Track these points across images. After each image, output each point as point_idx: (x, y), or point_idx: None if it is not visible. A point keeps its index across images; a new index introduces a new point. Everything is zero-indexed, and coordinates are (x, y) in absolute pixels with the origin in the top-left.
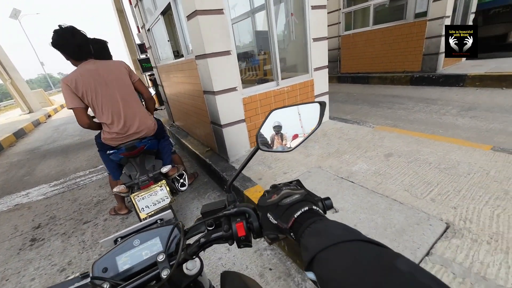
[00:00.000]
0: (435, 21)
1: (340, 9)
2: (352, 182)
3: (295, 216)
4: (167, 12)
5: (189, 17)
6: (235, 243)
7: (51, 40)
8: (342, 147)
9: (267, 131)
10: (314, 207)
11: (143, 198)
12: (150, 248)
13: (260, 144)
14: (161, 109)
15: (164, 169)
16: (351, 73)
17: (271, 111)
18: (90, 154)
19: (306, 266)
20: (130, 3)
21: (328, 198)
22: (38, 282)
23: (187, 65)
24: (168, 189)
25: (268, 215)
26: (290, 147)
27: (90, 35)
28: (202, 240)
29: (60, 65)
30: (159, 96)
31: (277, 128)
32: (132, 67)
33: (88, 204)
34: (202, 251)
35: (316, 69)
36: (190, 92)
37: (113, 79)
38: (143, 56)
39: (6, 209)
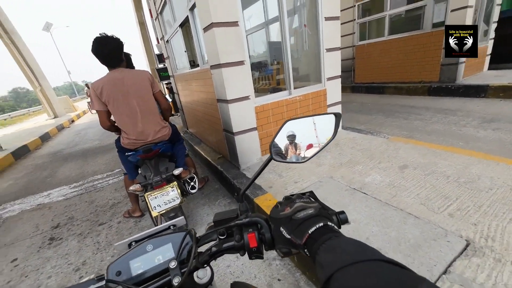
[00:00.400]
0: None
1: (354, 19)
2: (364, 193)
3: (310, 232)
4: (184, 25)
5: (206, 29)
6: (246, 254)
7: (93, 46)
8: (355, 158)
9: (281, 142)
10: (329, 223)
11: (155, 198)
12: (162, 254)
13: (274, 154)
14: (177, 116)
15: (176, 171)
16: (365, 83)
17: (285, 121)
18: (108, 158)
19: (322, 285)
20: (151, 16)
21: (342, 212)
22: (54, 280)
23: (202, 74)
24: (179, 190)
25: (281, 229)
26: (304, 158)
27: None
28: (214, 249)
29: (85, 74)
30: (174, 103)
31: (291, 139)
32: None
33: (103, 206)
34: (213, 260)
35: (329, 78)
36: (204, 100)
37: (135, 89)
38: (161, 66)
39: (29, 208)
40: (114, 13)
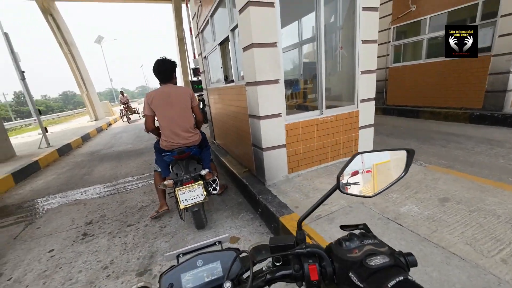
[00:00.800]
0: (502, 56)
1: (389, 41)
2: (400, 225)
3: (389, 286)
4: (223, 43)
5: (245, 48)
6: (303, 285)
7: (154, 66)
8: None
9: (349, 174)
10: (410, 277)
11: (184, 193)
12: (211, 271)
13: (340, 185)
14: (205, 126)
15: (203, 172)
16: (398, 105)
17: (356, 154)
18: (139, 162)
19: None
20: (191, 34)
21: (411, 254)
22: (84, 275)
23: (237, 90)
24: (203, 188)
25: (351, 274)
26: (372, 193)
27: (156, 57)
28: (269, 276)
29: (123, 81)
30: (205, 115)
31: (359, 172)
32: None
33: (133, 208)
34: (267, 287)
35: (363, 100)
36: (235, 114)
37: (177, 102)
38: (195, 79)
39: (67, 202)
40: (156, 28)
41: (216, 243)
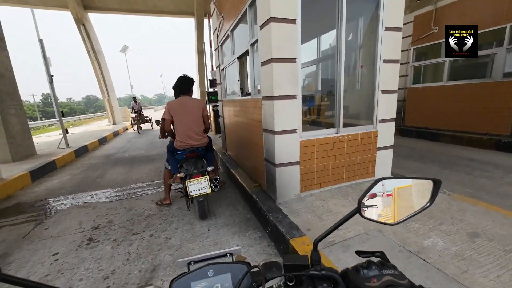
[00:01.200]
0: None
1: (409, 62)
2: (424, 260)
3: None
4: (242, 57)
5: (264, 63)
6: None
7: (176, 81)
8: None
9: (372, 199)
10: None
11: (192, 184)
12: (221, 282)
13: (362, 210)
14: (218, 137)
15: (209, 168)
16: (417, 127)
17: (379, 179)
18: (150, 168)
19: None
20: (211, 47)
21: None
22: (84, 284)
23: (252, 103)
24: (209, 182)
25: None
26: (393, 221)
27: (175, 67)
28: None
29: (143, 89)
30: (218, 125)
31: (381, 198)
32: (199, 96)
33: (140, 215)
34: None
35: (382, 121)
36: (249, 127)
37: (192, 111)
38: (211, 90)
39: (77, 204)
40: (177, 40)
41: (228, 254)
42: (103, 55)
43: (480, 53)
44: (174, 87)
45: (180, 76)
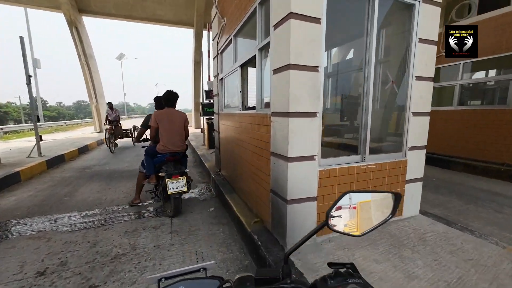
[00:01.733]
0: None
1: None
2: None
3: None
4: (246, 65)
5: (278, 70)
6: None
7: (163, 94)
8: (466, 276)
9: (339, 211)
10: None
11: (172, 183)
12: None
13: (330, 222)
14: (211, 152)
15: (186, 170)
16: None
17: (346, 192)
18: (130, 187)
19: None
20: (209, 57)
21: None
22: None
23: (258, 119)
24: (185, 182)
25: None
26: (359, 233)
27: (170, 77)
28: None
29: (137, 98)
30: (211, 140)
31: (349, 210)
32: (193, 108)
33: (105, 255)
34: None
35: (412, 148)
36: (252, 148)
37: (175, 121)
38: (206, 101)
39: (28, 234)
40: (174, 50)
41: (201, 269)
42: (94, 60)
43: (495, 78)
44: (157, 99)
45: (168, 91)
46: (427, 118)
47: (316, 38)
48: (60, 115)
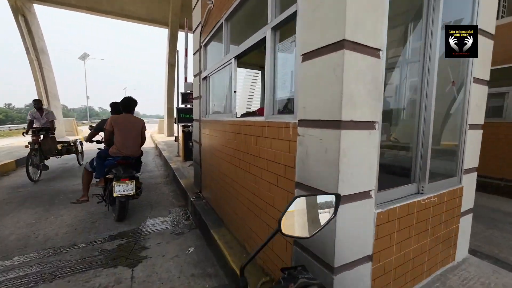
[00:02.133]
0: None
1: None
2: None
3: None
4: (243, 56)
5: (316, 53)
6: None
7: (121, 100)
8: None
9: (290, 217)
10: None
11: (119, 186)
12: None
13: (281, 228)
14: (188, 166)
15: (136, 174)
16: None
17: (295, 197)
18: (79, 216)
19: None
20: (186, 56)
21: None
22: None
23: (272, 131)
24: (134, 186)
25: None
26: (308, 235)
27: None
28: None
29: (104, 102)
30: (188, 151)
31: (299, 215)
32: (166, 113)
33: None
34: None
35: (467, 171)
36: (258, 171)
37: (132, 126)
38: (182, 106)
39: None
40: (146, 52)
41: None
42: (47, 56)
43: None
44: (113, 104)
45: (127, 97)
46: (481, 132)
47: (379, 4)
48: (8, 118)
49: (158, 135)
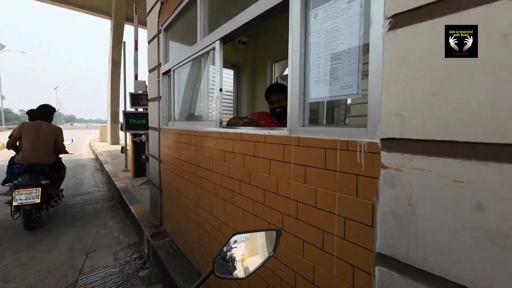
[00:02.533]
0: None
1: None
2: None
3: None
4: (231, 38)
5: (434, 9)
6: None
7: (37, 107)
8: None
9: (225, 256)
10: None
11: (20, 194)
12: None
13: (216, 269)
14: (139, 185)
15: (43, 182)
16: None
17: (232, 235)
18: (64, 252)
19: None
20: (136, 49)
21: None
22: None
23: (305, 154)
24: (40, 194)
25: None
26: (244, 275)
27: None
28: None
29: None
30: (139, 166)
31: (235, 254)
32: (109, 117)
33: None
34: None
35: None
36: (283, 223)
37: (44, 135)
38: (131, 110)
39: None
40: (84, 43)
41: None
42: None
43: None
44: (29, 112)
45: (43, 104)
46: None
47: None
48: None
49: (99, 144)
